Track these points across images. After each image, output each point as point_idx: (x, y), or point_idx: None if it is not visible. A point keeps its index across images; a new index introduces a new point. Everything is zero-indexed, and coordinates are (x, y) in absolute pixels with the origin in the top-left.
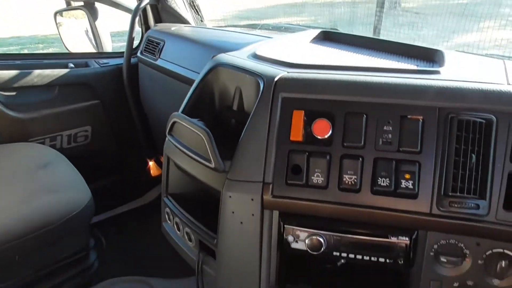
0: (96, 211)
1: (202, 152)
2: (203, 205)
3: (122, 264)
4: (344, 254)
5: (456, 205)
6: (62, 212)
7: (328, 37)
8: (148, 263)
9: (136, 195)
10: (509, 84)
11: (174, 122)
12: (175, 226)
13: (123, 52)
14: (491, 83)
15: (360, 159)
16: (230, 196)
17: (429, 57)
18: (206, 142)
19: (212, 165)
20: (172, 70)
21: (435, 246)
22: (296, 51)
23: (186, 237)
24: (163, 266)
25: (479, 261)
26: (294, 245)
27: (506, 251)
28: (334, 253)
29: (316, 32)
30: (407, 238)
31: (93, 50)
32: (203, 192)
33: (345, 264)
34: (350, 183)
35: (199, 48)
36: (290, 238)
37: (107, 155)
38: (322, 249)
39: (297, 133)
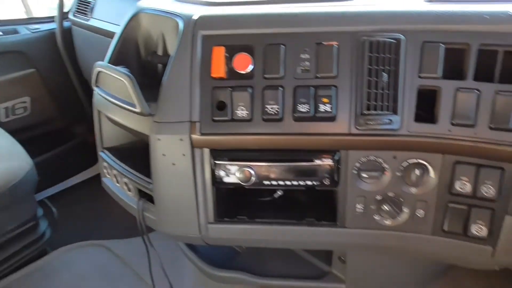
0: (47, 184)
1: (127, 98)
2: (137, 153)
3: (78, 232)
4: (274, 182)
5: (372, 123)
6: (2, 181)
7: None
8: (104, 228)
9: (88, 163)
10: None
11: (98, 72)
12: (114, 178)
13: (54, 16)
14: (399, 4)
15: (281, 88)
16: (159, 139)
17: None
18: (129, 87)
19: (138, 110)
20: (105, 29)
21: (357, 164)
22: None
23: (125, 187)
24: (120, 228)
25: (397, 173)
26: (226, 179)
27: (420, 161)
28: (265, 182)
29: None
30: (330, 160)
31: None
32: (135, 140)
33: (282, 196)
34: (272, 113)
35: (129, 1)
36: (222, 173)
37: (50, 125)
38: (253, 179)
39: (218, 70)
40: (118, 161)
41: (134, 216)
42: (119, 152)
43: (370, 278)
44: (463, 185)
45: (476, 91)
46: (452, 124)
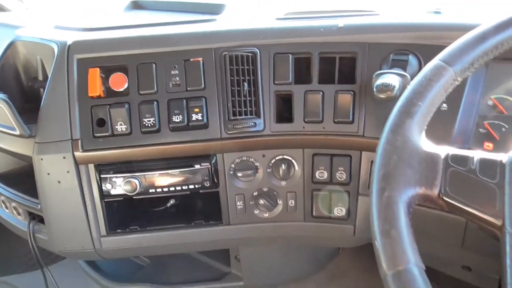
0: None
1: (7, 122)
2: (25, 176)
3: None
4: (159, 190)
5: (239, 127)
6: None
7: (137, 5)
8: (4, 264)
9: None
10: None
11: None
12: (3, 205)
13: None
14: (255, 23)
15: (156, 103)
16: (41, 159)
17: (212, 10)
18: (6, 111)
19: (17, 132)
20: None
21: (232, 165)
22: (100, 19)
23: (14, 212)
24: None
25: (268, 170)
26: (113, 192)
27: (285, 156)
28: (151, 190)
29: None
30: (207, 163)
31: None
32: (20, 164)
33: (175, 204)
34: (149, 125)
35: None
36: (109, 186)
37: None
38: (139, 189)
39: (94, 89)
40: (4, 187)
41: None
42: (5, 178)
43: (264, 271)
44: (322, 174)
45: (321, 92)
46: (305, 122)
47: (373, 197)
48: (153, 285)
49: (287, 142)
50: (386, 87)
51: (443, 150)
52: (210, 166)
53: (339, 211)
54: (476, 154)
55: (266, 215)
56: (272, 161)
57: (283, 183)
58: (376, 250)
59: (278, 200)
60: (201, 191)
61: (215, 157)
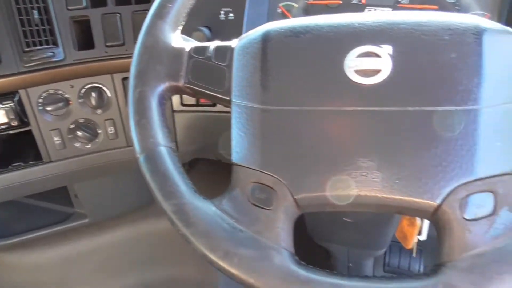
0: None
1: None
2: None
3: None
4: None
5: (36, 58)
6: None
7: None
8: None
9: None
10: None
11: None
12: None
13: None
14: None
15: None
16: None
17: None
18: None
19: None
20: None
21: (40, 100)
22: None
23: None
24: None
25: (79, 100)
26: None
27: (94, 84)
28: None
29: None
30: (11, 102)
31: None
32: None
33: None
34: None
35: None
36: None
37: None
38: None
39: None
40: None
41: None
42: None
43: (107, 204)
44: None
45: (118, 14)
46: (107, 46)
47: (128, 94)
48: None
49: (93, 69)
50: None
51: (189, 45)
52: (14, 104)
53: None
54: (213, 44)
55: (89, 146)
56: (82, 91)
57: (99, 111)
58: (131, 138)
59: (97, 130)
60: (11, 131)
61: (17, 94)
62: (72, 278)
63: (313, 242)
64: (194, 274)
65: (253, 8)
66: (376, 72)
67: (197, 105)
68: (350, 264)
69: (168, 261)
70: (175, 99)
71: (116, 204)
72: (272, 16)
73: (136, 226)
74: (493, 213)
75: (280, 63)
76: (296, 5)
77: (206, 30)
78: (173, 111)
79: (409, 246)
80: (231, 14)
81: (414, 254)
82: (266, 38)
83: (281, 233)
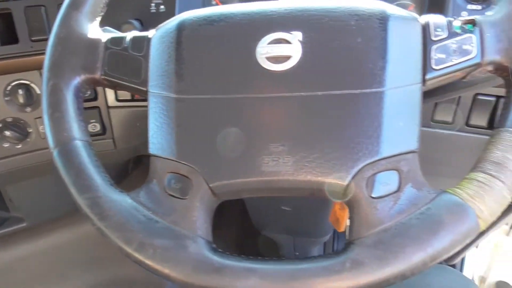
0: None
1: None
2: None
3: None
4: None
5: None
6: None
7: None
8: None
9: None
10: None
11: None
12: None
13: None
14: None
15: None
16: None
17: None
18: None
19: None
20: None
21: None
22: None
23: None
24: None
25: (6, 98)
26: None
27: (21, 81)
28: None
29: None
30: None
31: None
32: None
33: None
34: None
35: None
36: None
37: None
38: None
39: None
40: None
41: None
42: None
43: (44, 205)
44: None
45: (42, 6)
46: (32, 40)
47: (42, 87)
48: None
49: (18, 65)
50: None
51: (106, 36)
52: None
53: (93, 127)
54: (130, 34)
55: (19, 146)
56: (8, 88)
57: (28, 109)
58: (45, 132)
59: (27, 129)
60: None
61: None
62: (12, 285)
63: (260, 233)
64: (140, 274)
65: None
66: (286, 58)
67: (132, 100)
68: (297, 253)
69: (113, 261)
70: (110, 94)
71: (54, 206)
72: (207, 4)
73: (77, 227)
74: (398, 190)
75: (194, 51)
76: None
77: (136, 23)
78: (108, 107)
79: (342, 229)
80: (162, 6)
81: (347, 237)
82: (181, 27)
83: (197, 222)
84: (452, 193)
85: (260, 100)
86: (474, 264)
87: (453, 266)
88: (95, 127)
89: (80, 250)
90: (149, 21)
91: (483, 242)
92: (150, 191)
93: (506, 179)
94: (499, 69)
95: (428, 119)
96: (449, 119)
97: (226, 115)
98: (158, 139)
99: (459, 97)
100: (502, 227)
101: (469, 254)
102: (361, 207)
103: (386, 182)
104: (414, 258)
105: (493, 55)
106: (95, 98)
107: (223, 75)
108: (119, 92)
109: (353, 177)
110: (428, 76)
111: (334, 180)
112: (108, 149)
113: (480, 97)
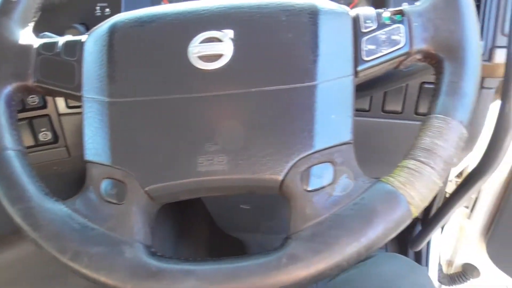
0: None
1: None
2: None
3: None
4: None
5: None
6: None
7: None
8: None
9: None
10: None
11: None
12: None
13: None
14: None
15: None
16: None
17: None
18: None
19: None
20: None
21: None
22: None
23: None
24: None
25: None
26: None
27: None
28: None
29: None
30: None
31: None
32: None
33: None
34: None
35: None
36: None
37: None
38: None
39: None
40: None
41: None
42: None
43: None
44: None
45: None
46: None
47: None
48: None
49: None
50: None
51: (38, 41)
52: None
53: (45, 136)
54: (63, 39)
55: None
56: None
57: None
58: None
59: None
60: None
61: None
62: None
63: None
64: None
65: (132, 2)
66: (218, 56)
67: None
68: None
69: (60, 279)
70: (61, 102)
71: None
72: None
73: (19, 246)
74: (333, 181)
75: (127, 54)
76: None
77: (81, 27)
78: (59, 114)
79: None
80: (107, 9)
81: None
82: (112, 30)
83: (135, 227)
84: (385, 181)
85: (193, 100)
86: (440, 248)
87: (419, 252)
88: (46, 135)
89: (24, 269)
90: (94, 25)
91: (447, 226)
92: (86, 198)
93: (435, 165)
94: (428, 57)
95: (378, 110)
96: (399, 108)
97: (159, 117)
98: (93, 145)
99: (407, 86)
100: (464, 211)
101: (434, 240)
102: (297, 201)
103: (321, 174)
104: (348, 248)
105: (421, 44)
106: (44, 106)
107: (156, 77)
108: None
109: (287, 172)
110: (359, 68)
111: (269, 176)
112: (62, 158)
113: (426, 85)
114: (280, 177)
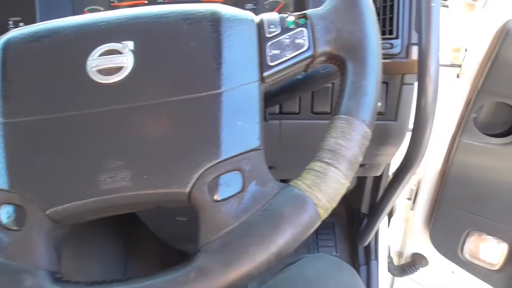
0: None
1: None
2: None
3: None
4: None
5: None
6: None
7: None
8: None
9: None
10: None
11: None
12: None
13: None
14: None
15: None
16: None
17: None
18: None
19: None
20: None
21: None
22: None
23: None
24: None
25: None
26: None
27: None
28: None
29: None
30: None
31: None
32: None
33: None
34: None
35: None
36: None
37: None
38: None
39: None
40: None
41: None
42: None
43: None
44: None
45: None
46: None
47: None
48: None
49: None
50: None
51: None
52: None
53: None
54: None
55: None
56: None
57: None
58: None
59: None
60: None
61: None
62: None
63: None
64: None
65: (49, 16)
66: (118, 69)
67: None
68: None
69: None
70: None
71: None
72: None
73: None
74: (242, 189)
75: (21, 71)
76: (102, 8)
77: None
78: None
79: None
80: (21, 24)
81: None
82: (6, 46)
83: (37, 253)
84: (293, 185)
85: (91, 115)
86: (388, 241)
87: (369, 247)
88: None
89: None
90: None
91: (394, 219)
92: None
93: (339, 165)
94: (331, 58)
95: (308, 112)
96: (327, 109)
97: (57, 135)
98: None
99: (333, 86)
100: (407, 202)
101: (382, 233)
102: (206, 212)
103: (229, 183)
104: (257, 257)
105: (324, 46)
106: None
107: (53, 93)
108: None
109: (194, 183)
110: (265, 73)
111: (175, 189)
112: None
113: None
114: (187, 189)
